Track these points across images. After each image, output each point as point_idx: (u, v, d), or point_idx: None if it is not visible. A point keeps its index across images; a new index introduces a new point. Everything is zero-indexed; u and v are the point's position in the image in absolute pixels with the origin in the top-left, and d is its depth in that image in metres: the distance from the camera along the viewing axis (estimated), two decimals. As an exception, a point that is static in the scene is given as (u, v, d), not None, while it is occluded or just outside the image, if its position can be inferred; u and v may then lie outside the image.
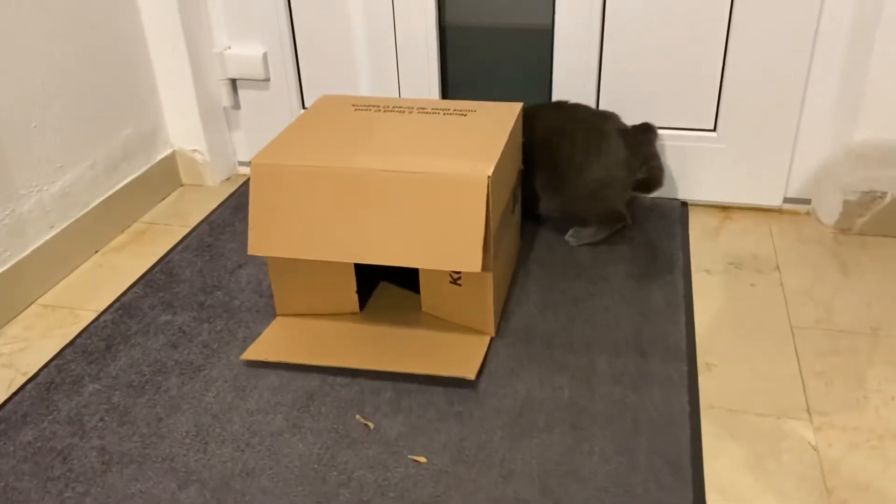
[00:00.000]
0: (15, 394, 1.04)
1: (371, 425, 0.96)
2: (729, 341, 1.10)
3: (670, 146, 1.42)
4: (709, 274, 1.25)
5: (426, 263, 0.98)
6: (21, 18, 1.19)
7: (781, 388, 1.01)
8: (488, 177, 0.95)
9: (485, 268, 0.96)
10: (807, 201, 1.42)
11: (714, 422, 0.95)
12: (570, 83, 1.41)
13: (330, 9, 1.47)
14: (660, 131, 1.40)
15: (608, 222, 1.31)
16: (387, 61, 1.49)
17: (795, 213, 1.43)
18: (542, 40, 1.43)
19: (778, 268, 1.26)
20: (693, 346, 1.08)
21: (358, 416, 0.97)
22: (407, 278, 1.20)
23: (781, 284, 1.22)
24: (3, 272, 1.19)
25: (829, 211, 1.37)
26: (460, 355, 1.05)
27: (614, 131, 1.28)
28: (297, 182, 1.01)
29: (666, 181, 1.43)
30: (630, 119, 1.40)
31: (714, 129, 1.40)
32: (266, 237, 1.03)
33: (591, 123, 1.28)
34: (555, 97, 1.43)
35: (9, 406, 1.02)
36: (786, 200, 1.43)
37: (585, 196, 1.27)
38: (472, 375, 1.01)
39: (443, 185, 0.97)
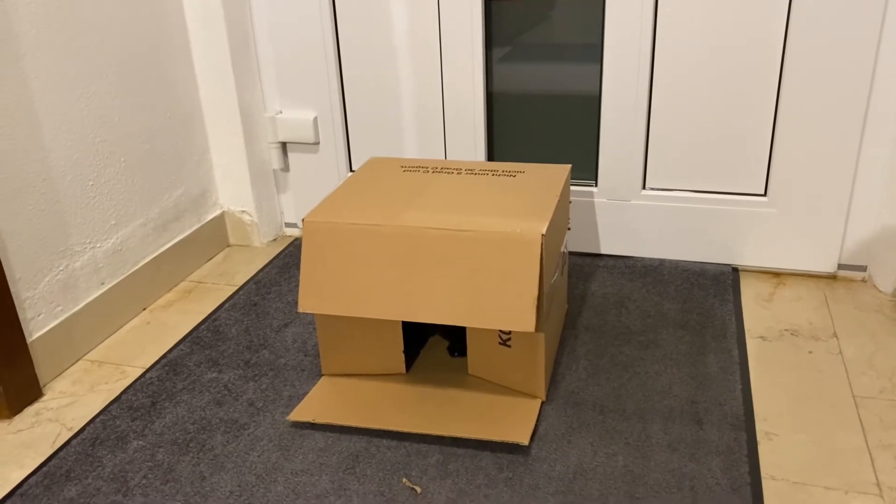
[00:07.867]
0: (60, 449, 1.04)
1: (418, 489, 0.93)
2: (788, 410, 1.05)
3: (720, 210, 1.40)
4: (764, 341, 1.21)
5: (478, 322, 0.97)
6: (83, 80, 1.24)
7: (847, 460, 0.96)
8: (542, 235, 0.95)
9: (538, 328, 0.94)
10: (862, 268, 1.38)
11: (776, 494, 0.91)
12: (617, 148, 1.41)
13: (380, 75, 1.50)
14: (709, 195, 1.40)
15: None
16: (434, 126, 1.51)
17: (851, 279, 1.39)
18: (588, 107, 1.44)
19: (836, 335, 1.22)
20: (751, 414, 1.04)
21: (405, 480, 0.95)
22: (455, 342, 1.19)
23: (840, 353, 1.17)
24: (54, 327, 1.20)
25: (886, 278, 1.33)
26: (510, 419, 1.02)
27: None
28: (348, 240, 1.02)
29: (715, 246, 1.42)
30: (678, 183, 1.40)
31: (765, 194, 1.38)
32: (316, 295, 1.02)
33: None
34: (601, 163, 1.43)
35: (54, 461, 1.01)
36: (840, 267, 1.39)
37: None
38: (525, 441, 0.98)
39: (495, 243, 0.96)
